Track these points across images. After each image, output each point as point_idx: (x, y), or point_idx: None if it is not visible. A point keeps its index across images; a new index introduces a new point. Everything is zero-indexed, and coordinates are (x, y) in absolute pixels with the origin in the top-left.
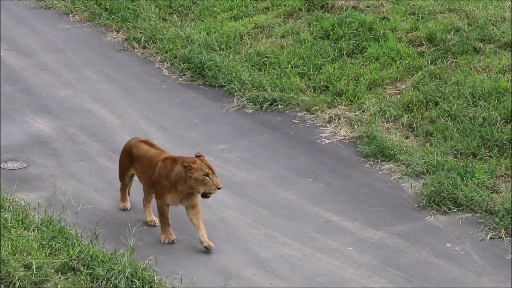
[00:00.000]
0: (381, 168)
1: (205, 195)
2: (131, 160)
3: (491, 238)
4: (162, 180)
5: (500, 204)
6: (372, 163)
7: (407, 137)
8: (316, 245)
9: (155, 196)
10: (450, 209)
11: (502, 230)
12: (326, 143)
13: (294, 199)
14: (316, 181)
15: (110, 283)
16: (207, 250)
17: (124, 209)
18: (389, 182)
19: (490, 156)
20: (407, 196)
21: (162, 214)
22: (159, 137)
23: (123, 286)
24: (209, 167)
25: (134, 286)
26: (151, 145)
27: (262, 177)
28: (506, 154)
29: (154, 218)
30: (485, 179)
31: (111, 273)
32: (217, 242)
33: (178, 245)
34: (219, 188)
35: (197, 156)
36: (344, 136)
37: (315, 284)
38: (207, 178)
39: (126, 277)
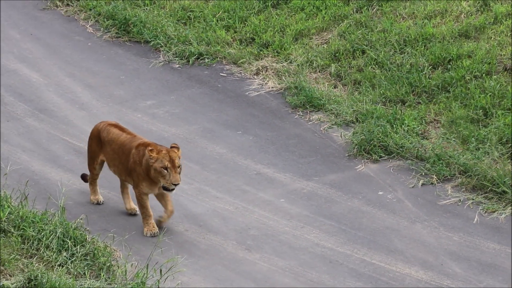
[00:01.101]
0: (311, 118)
1: (165, 188)
2: (101, 146)
3: (423, 184)
4: (136, 167)
5: (431, 150)
6: (301, 114)
7: (335, 87)
8: (248, 198)
9: (133, 186)
10: (381, 157)
11: (434, 176)
12: (254, 95)
13: (224, 153)
14: (245, 133)
15: (42, 244)
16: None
17: (98, 203)
18: (319, 132)
19: (419, 103)
20: (337, 146)
21: (142, 205)
22: (86, 95)
23: (54, 246)
24: (170, 161)
25: (66, 245)
26: (121, 129)
27: (191, 132)
28: (434, 100)
29: (133, 206)
30: (414, 126)
31: (42, 234)
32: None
33: (109, 203)
34: (175, 185)
35: (171, 147)
36: (272, 87)
37: (248, 237)
38: (165, 171)
39: (58, 237)
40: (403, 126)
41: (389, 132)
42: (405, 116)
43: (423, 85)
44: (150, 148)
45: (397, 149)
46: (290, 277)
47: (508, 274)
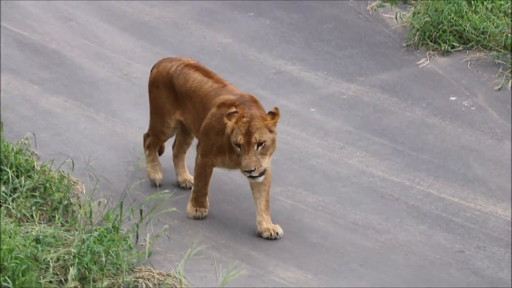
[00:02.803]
0: None
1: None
2: (175, 98)
3: None
4: (211, 133)
5: None
6: None
7: None
8: (264, 107)
9: (197, 148)
10: (453, 47)
11: None
12: None
13: (230, 43)
14: (260, 16)
15: None
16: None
17: (155, 184)
18: (364, 13)
19: None
20: (391, 32)
21: (200, 177)
22: None
23: None
24: (246, 134)
25: (5, 176)
26: (206, 73)
27: (182, 14)
28: None
29: (189, 176)
30: (502, 2)
31: None
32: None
33: (67, 114)
34: (246, 171)
35: (269, 113)
36: None
37: None
38: (238, 149)
39: None
40: (485, 3)
41: (465, 12)
42: None
43: None
44: (229, 111)
45: (477, 36)
46: (325, 219)
47: None
